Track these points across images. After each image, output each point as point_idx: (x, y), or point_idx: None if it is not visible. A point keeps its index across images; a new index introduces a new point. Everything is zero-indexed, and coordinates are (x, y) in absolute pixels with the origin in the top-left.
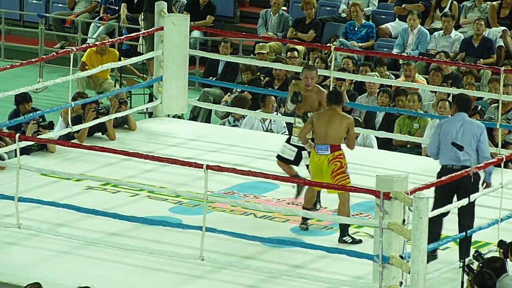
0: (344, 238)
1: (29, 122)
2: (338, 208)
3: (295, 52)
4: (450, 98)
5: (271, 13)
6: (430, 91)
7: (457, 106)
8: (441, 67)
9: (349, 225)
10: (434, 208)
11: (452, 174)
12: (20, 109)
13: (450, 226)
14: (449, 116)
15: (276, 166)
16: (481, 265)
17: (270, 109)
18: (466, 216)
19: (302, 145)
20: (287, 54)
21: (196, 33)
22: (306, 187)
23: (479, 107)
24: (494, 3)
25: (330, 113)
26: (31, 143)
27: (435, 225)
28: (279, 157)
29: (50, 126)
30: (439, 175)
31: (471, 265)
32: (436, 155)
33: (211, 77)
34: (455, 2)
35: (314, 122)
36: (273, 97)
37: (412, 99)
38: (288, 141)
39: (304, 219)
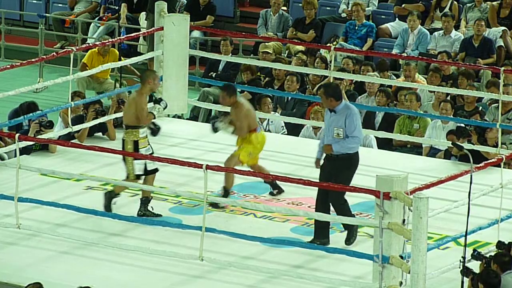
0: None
1: (34, 121)
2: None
3: (304, 56)
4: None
5: (271, 13)
6: (429, 91)
7: (334, 98)
8: (440, 68)
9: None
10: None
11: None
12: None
13: (450, 226)
14: (327, 110)
15: (276, 166)
16: (487, 259)
17: (266, 110)
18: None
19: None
20: (297, 54)
21: (196, 33)
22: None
23: (480, 107)
24: (494, 3)
25: (245, 99)
26: (31, 143)
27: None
28: (138, 176)
29: (50, 125)
30: (356, 160)
31: (468, 266)
32: None
33: (211, 73)
34: (455, 2)
35: (249, 114)
36: (269, 99)
37: (409, 99)
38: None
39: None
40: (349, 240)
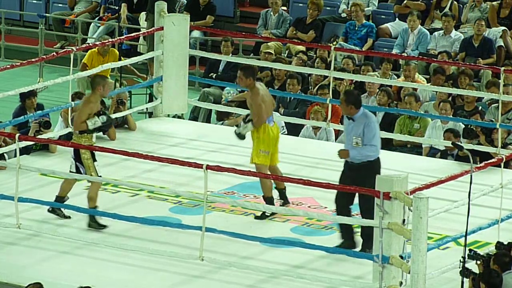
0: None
1: (34, 120)
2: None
3: (305, 56)
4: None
5: (271, 13)
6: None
7: (354, 106)
8: (444, 68)
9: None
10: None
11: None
12: (26, 104)
13: (450, 226)
14: (347, 117)
15: None
16: (484, 258)
17: None
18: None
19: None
20: (297, 55)
21: (196, 33)
22: None
23: (480, 107)
24: (494, 3)
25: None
26: (31, 143)
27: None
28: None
29: (47, 125)
30: (378, 166)
31: (468, 266)
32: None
33: (212, 73)
34: (455, 2)
35: (264, 100)
36: None
37: (409, 101)
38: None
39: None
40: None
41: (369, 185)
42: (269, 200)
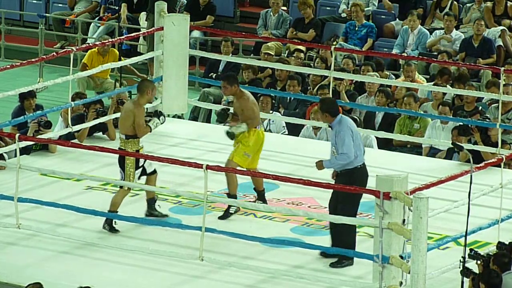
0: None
1: (33, 120)
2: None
3: (301, 54)
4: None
5: (271, 13)
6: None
7: (329, 113)
8: (450, 69)
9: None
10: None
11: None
12: (25, 105)
13: (450, 226)
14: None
15: (276, 166)
16: (484, 258)
17: (267, 110)
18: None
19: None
20: (294, 53)
21: (196, 33)
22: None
23: (480, 107)
24: (488, 3)
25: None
26: (31, 143)
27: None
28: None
29: (48, 125)
30: (359, 175)
31: (468, 266)
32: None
33: (212, 73)
34: (455, 2)
35: (255, 102)
36: (269, 98)
37: (408, 102)
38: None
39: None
40: (337, 265)
41: (345, 195)
42: (233, 198)
